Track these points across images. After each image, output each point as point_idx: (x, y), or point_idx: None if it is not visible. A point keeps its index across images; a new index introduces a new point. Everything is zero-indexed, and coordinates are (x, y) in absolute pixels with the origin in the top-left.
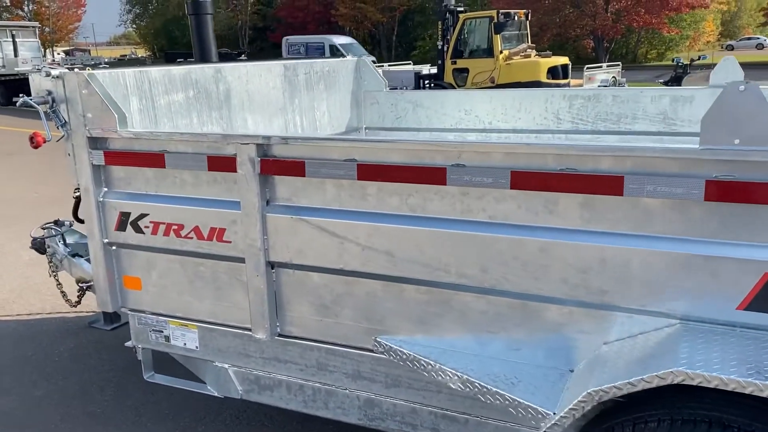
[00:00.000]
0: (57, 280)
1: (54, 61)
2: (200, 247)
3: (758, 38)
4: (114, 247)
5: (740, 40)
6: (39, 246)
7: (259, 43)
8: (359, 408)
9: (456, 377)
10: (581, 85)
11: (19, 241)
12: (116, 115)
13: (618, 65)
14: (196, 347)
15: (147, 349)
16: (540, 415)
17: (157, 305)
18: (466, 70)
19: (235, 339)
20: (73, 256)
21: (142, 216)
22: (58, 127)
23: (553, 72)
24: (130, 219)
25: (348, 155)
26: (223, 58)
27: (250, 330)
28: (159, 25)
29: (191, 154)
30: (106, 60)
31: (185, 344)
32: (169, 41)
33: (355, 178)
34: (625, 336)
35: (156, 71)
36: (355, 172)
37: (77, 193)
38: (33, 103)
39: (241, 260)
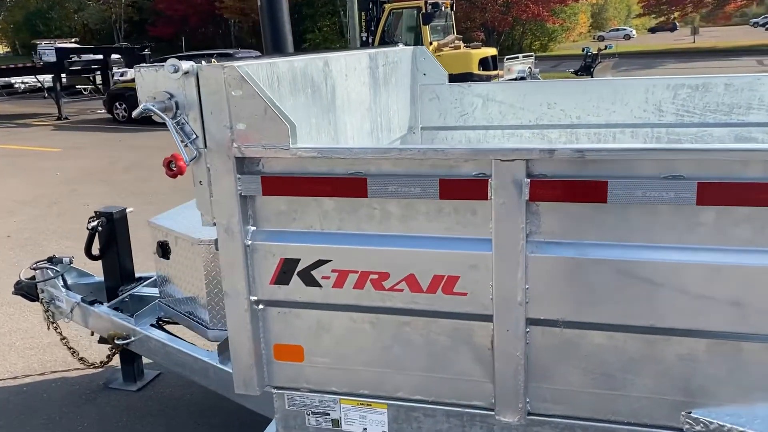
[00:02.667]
0: (60, 334)
1: None
2: (414, 302)
3: (625, 29)
4: (261, 306)
5: (610, 32)
6: (28, 291)
7: (137, 37)
8: None
9: None
10: (502, 76)
11: None
12: (288, 126)
13: (532, 56)
14: None
15: None
16: None
17: (326, 380)
18: None
19: (449, 420)
20: (91, 303)
21: (321, 263)
22: (186, 144)
23: (483, 63)
24: (299, 268)
25: (670, 170)
26: (126, 53)
27: (484, 409)
28: (20, 18)
29: (411, 177)
30: None
31: (365, 430)
32: (33, 35)
33: (694, 203)
34: None
35: (283, 63)
36: (693, 194)
37: (93, 223)
38: (156, 111)
39: (482, 318)
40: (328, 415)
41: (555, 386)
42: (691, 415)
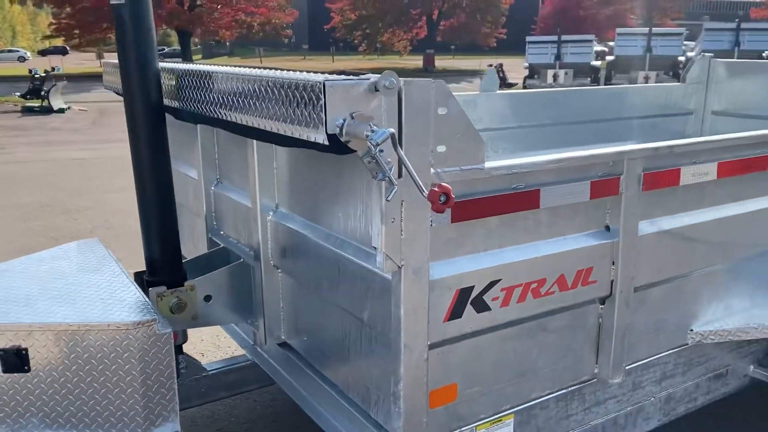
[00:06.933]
0: None
1: None
2: (561, 300)
3: (18, 51)
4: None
5: (1, 53)
6: None
7: None
8: (660, 410)
9: None
10: None
11: None
12: (483, 143)
13: None
14: None
15: None
16: None
17: (474, 411)
18: None
19: (558, 404)
20: None
21: (492, 284)
22: (377, 178)
23: None
24: (473, 295)
25: (697, 157)
26: None
27: (586, 382)
28: None
29: (570, 183)
30: None
31: None
32: None
33: (714, 176)
34: None
35: None
36: (714, 173)
37: None
38: (396, 138)
39: (600, 300)
40: None
41: (635, 340)
42: (693, 330)
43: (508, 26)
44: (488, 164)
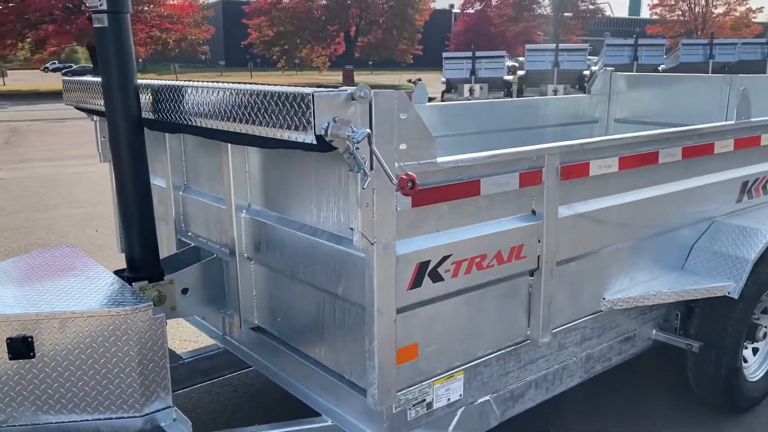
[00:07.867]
0: None
1: None
2: (499, 273)
3: None
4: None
5: None
6: None
7: None
8: (581, 367)
9: (671, 293)
10: None
11: None
12: (435, 143)
13: None
14: (460, 396)
15: None
16: None
17: (432, 368)
18: None
19: (498, 363)
20: None
21: (445, 259)
22: (353, 170)
23: None
24: (429, 268)
25: (604, 152)
26: None
27: (520, 342)
28: None
29: (504, 174)
30: None
31: (449, 400)
32: None
33: (617, 168)
34: None
35: None
36: (616, 165)
37: None
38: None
39: (530, 272)
40: (424, 401)
41: (556, 307)
42: (605, 299)
43: (424, 42)
44: (439, 159)
